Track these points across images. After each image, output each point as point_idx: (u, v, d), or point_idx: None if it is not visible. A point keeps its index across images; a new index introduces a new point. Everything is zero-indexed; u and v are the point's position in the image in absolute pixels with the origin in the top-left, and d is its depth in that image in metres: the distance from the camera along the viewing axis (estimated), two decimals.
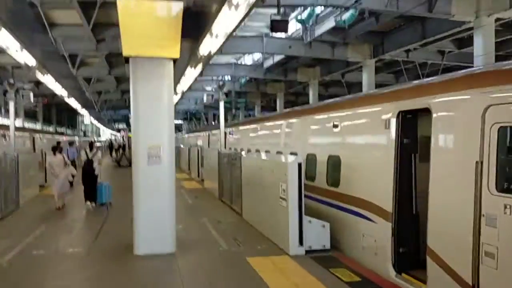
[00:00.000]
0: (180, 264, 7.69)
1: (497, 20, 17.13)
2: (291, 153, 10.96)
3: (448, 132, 5.72)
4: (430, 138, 7.02)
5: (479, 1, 16.58)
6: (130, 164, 31.72)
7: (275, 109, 35.04)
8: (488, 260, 4.89)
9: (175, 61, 8.48)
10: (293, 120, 12.11)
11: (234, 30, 8.10)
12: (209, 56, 10.40)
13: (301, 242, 7.92)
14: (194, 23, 8.62)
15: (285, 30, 12.62)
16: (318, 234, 8.05)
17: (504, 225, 4.71)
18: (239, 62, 28.80)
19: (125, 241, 8.73)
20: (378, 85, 24.20)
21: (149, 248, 8.08)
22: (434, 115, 5.91)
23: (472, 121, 5.21)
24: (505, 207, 4.71)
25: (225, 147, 17.85)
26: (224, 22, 7.66)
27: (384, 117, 7.03)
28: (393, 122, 6.83)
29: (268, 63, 26.69)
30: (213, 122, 49.43)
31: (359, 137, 8.08)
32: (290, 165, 7.90)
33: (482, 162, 5.04)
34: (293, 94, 36.95)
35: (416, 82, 7.19)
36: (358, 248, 7.76)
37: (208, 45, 9.12)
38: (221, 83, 14.94)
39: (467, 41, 22.08)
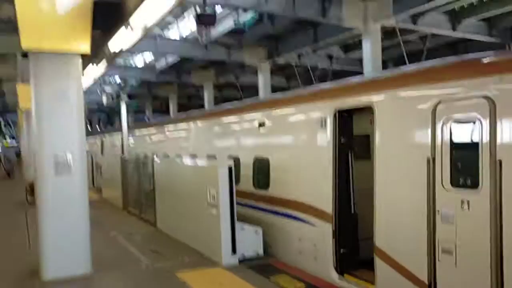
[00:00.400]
0: (100, 287, 6.76)
1: (382, 27, 18.27)
2: (208, 156, 10.45)
3: (394, 129, 5.69)
4: (365, 137, 7.05)
5: (367, 8, 17.53)
6: (9, 175, 28.44)
7: (167, 112, 33.92)
8: (446, 257, 4.90)
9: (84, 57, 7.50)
10: (210, 121, 11.47)
11: (157, 23, 7.38)
12: (120, 53, 9.46)
13: (234, 250, 7.46)
14: (106, 13, 7.71)
15: (212, 23, 12.31)
16: (251, 241, 7.66)
17: (462, 221, 4.75)
18: (128, 63, 27.31)
19: (28, 264, 7.52)
20: (271, 88, 24.71)
21: (60, 271, 7.00)
22: (378, 112, 5.85)
23: (422, 117, 5.22)
24: (462, 203, 4.74)
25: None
26: (147, 13, 6.89)
27: (321, 115, 6.88)
28: (331, 120, 6.71)
29: (161, 64, 25.78)
30: (97, 126, 46.61)
31: (291, 137, 7.84)
32: (221, 169, 7.40)
33: (434, 158, 5.05)
34: (186, 97, 36.16)
35: (355, 79, 7.17)
36: (293, 252, 7.52)
37: (121, 39, 8.22)
38: (122, 84, 13.86)
39: (353, 47, 23.46)
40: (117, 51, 8.84)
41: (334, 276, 6.62)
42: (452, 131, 4.91)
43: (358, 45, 22.40)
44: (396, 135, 5.65)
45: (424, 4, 15.82)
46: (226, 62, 24.88)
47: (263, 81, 24.38)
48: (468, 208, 4.68)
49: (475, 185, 4.63)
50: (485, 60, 4.98)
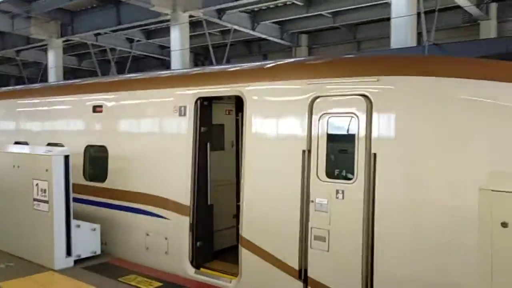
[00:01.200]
0: None
1: (190, 16, 18.39)
2: (16, 143, 8.81)
3: (268, 120, 5.65)
4: (222, 126, 6.96)
5: None
6: None
7: None
8: (319, 243, 5.15)
9: None
10: (20, 102, 9.38)
11: None
12: None
13: (69, 252, 6.46)
14: None
15: None
16: (87, 240, 6.75)
17: (336, 209, 5.05)
18: None
19: None
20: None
21: None
22: (249, 103, 5.78)
23: (299, 110, 5.34)
24: (337, 192, 5.05)
25: None
26: None
27: (181, 102, 6.43)
28: (191, 109, 6.34)
29: None
30: None
31: (142, 124, 7.04)
32: (55, 158, 6.31)
33: (310, 151, 5.24)
34: None
35: (222, 67, 6.85)
36: (138, 249, 6.89)
37: None
38: None
39: (155, 33, 23.01)
40: None
41: (190, 271, 6.31)
42: (329, 126, 5.15)
43: (160, 31, 22.10)
44: (270, 126, 5.64)
45: (233, 1, 16.57)
46: (7, 33, 21.59)
47: (54, 59, 22.04)
48: (343, 198, 5.01)
49: (350, 176, 4.97)
50: (364, 61, 5.38)
